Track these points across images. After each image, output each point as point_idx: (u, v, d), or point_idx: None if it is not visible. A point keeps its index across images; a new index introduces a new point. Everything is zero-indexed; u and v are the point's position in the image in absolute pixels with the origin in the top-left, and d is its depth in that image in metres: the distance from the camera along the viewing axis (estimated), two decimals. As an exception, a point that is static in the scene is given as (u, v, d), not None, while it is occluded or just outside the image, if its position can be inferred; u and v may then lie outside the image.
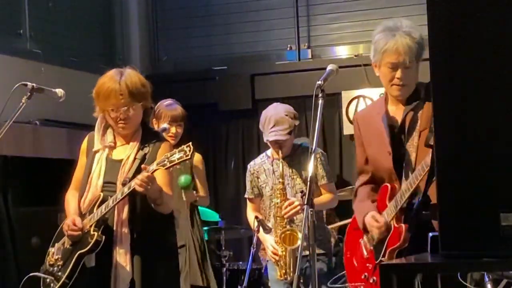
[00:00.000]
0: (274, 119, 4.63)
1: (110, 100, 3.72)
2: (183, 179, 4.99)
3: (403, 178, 3.47)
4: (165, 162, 3.52)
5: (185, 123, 5.16)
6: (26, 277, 3.90)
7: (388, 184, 3.52)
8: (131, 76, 3.76)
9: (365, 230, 3.63)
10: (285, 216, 4.59)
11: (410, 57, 3.42)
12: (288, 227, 4.63)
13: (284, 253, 4.62)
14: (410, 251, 3.25)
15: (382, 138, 3.53)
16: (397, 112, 3.55)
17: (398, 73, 3.46)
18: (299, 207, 4.52)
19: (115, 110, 3.73)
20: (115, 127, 3.82)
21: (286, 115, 4.65)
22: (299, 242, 4.54)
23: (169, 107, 5.13)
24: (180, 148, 3.52)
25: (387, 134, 3.51)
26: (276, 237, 4.64)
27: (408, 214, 3.45)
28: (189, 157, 3.48)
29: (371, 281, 3.60)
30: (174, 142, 4.98)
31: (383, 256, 3.49)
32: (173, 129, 5.05)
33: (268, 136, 4.65)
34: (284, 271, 4.63)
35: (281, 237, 4.60)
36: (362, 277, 3.66)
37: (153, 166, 3.56)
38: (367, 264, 3.64)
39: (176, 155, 3.50)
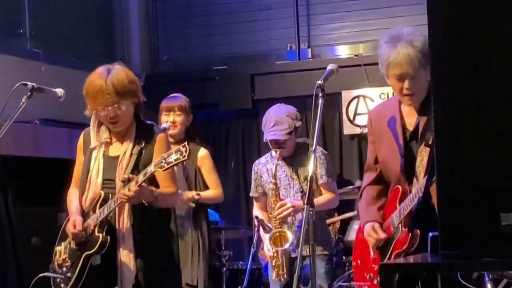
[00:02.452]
0: (275, 119, 4.66)
1: (98, 100, 3.71)
2: None
3: (414, 181, 3.43)
4: (163, 164, 3.52)
5: (187, 114, 5.10)
6: (37, 277, 3.93)
7: (400, 187, 3.47)
8: (118, 73, 3.74)
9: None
10: (277, 217, 4.60)
11: (413, 67, 3.35)
12: (282, 227, 4.63)
13: (275, 254, 4.62)
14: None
15: (395, 139, 3.49)
16: (411, 114, 3.50)
17: (406, 84, 3.40)
18: (291, 208, 4.53)
19: (104, 109, 3.73)
20: (107, 125, 3.84)
21: (287, 116, 4.67)
22: (287, 244, 4.57)
23: (167, 99, 5.13)
24: (176, 148, 3.52)
25: (400, 136, 3.48)
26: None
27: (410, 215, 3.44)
28: (185, 158, 3.48)
29: (375, 282, 3.58)
30: (174, 131, 5.00)
31: (389, 258, 3.47)
32: (170, 118, 5.03)
33: (267, 135, 4.68)
34: (276, 273, 4.64)
35: (271, 240, 4.61)
36: (367, 277, 3.64)
37: (151, 168, 3.56)
38: (373, 265, 3.62)
39: (173, 156, 3.49)
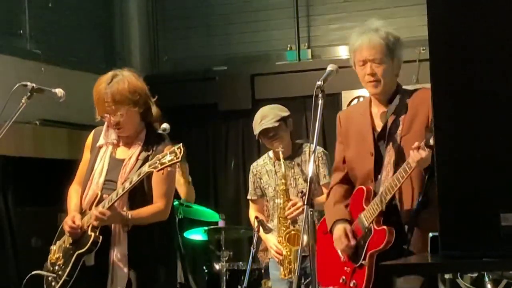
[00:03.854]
0: (260, 116, 4.75)
1: (99, 106, 3.77)
2: None
3: (380, 180, 3.48)
4: (157, 164, 3.53)
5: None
6: (29, 275, 3.92)
7: (364, 187, 3.53)
8: (119, 82, 3.75)
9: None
10: (288, 217, 4.60)
11: (376, 52, 3.48)
12: (291, 227, 4.64)
13: (288, 253, 4.63)
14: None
15: (364, 139, 3.55)
16: (380, 114, 3.57)
17: (367, 68, 3.51)
18: (302, 208, 4.53)
19: (106, 116, 3.76)
20: (113, 129, 3.85)
21: (271, 109, 4.78)
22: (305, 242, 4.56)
23: None
24: (171, 150, 3.53)
25: (370, 136, 3.54)
26: (280, 237, 4.66)
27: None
28: (179, 159, 3.48)
29: (351, 284, 3.54)
30: None
31: (364, 259, 3.47)
32: None
33: (257, 130, 4.71)
34: (288, 270, 4.65)
35: (286, 237, 4.62)
36: (340, 281, 3.59)
37: (145, 168, 3.57)
38: (345, 268, 3.59)
39: (167, 157, 3.51)
